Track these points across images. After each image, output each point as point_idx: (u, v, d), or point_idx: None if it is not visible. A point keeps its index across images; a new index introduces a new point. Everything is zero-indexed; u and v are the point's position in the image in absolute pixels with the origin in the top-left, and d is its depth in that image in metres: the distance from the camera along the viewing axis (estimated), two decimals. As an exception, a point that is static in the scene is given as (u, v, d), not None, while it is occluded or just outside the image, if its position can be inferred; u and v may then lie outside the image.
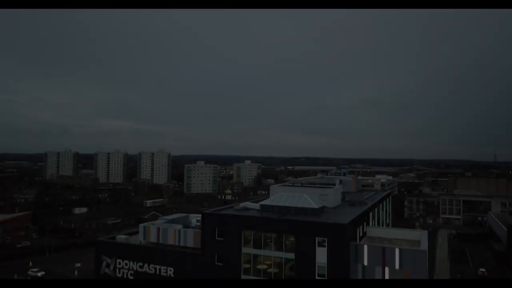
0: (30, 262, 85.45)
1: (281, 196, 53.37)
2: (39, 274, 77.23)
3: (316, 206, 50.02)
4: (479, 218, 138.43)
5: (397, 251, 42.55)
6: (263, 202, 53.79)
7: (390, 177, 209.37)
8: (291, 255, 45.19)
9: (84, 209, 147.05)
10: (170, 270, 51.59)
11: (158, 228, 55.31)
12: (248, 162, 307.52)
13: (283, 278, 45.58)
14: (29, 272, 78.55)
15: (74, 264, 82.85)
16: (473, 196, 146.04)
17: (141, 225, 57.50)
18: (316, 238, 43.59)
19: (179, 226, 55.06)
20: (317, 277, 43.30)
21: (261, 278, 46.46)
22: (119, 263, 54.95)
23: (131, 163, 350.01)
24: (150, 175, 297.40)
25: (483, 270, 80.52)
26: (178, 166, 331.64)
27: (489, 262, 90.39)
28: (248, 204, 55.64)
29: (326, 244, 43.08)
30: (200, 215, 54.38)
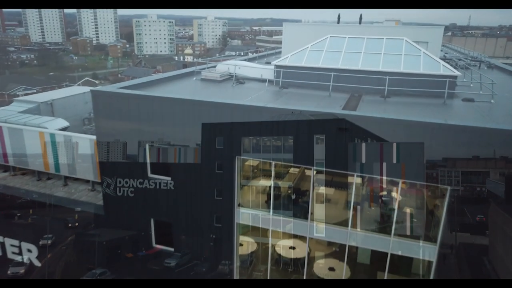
0: (31, 210, 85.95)
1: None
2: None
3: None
4: (478, 189, 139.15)
5: (394, 145, 43.12)
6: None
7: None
8: (290, 156, 45.78)
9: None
10: (170, 183, 52.14)
11: (158, 149, 56.03)
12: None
13: (281, 180, 46.17)
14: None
15: (74, 209, 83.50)
16: (472, 167, 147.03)
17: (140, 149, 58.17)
18: (315, 136, 44.20)
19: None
20: (314, 172, 43.88)
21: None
22: (119, 182, 55.34)
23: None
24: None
25: (481, 216, 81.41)
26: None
27: (487, 213, 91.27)
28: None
29: (324, 139, 43.71)
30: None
